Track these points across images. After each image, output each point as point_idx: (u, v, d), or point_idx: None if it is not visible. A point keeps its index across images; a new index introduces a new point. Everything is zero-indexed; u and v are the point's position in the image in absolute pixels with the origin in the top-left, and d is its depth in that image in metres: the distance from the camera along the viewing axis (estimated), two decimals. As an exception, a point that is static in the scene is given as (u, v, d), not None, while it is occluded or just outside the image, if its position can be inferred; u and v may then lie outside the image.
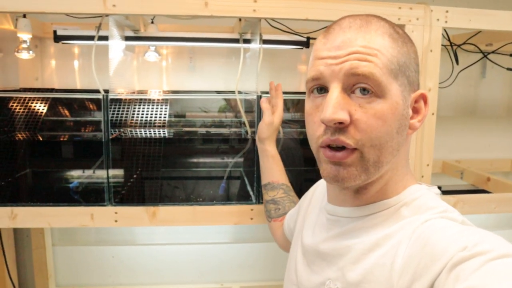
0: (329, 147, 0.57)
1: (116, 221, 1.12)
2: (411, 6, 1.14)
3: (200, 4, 1.06)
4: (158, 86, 1.68)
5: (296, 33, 1.43)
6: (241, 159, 1.42)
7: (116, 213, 1.11)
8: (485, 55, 1.41)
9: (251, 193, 1.25)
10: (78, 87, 1.69)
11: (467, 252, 0.44)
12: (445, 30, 1.18)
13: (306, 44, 1.44)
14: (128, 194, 1.20)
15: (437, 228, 0.51)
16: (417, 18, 1.14)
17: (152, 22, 1.43)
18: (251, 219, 1.18)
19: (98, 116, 1.40)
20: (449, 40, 1.26)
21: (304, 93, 1.88)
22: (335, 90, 0.55)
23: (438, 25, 1.15)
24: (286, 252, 0.99)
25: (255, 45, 1.24)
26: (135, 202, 1.16)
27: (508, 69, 1.35)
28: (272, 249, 1.82)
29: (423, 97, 0.60)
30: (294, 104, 1.59)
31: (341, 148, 0.56)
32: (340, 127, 0.54)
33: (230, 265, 1.84)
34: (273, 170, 1.01)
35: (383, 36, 0.56)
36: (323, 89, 0.58)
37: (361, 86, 0.54)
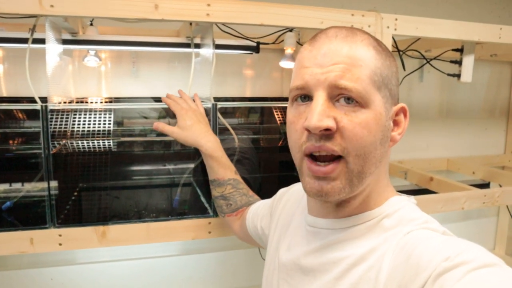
0: (312, 157, 0.56)
1: (60, 244, 1.01)
2: (363, 13, 1.15)
3: (149, 6, 0.99)
4: (97, 93, 1.56)
5: (247, 38, 1.40)
6: (189, 166, 1.36)
7: (60, 235, 1.00)
8: (428, 61, 1.48)
9: (206, 205, 1.20)
10: (4, 94, 1.52)
11: (450, 262, 0.45)
12: (392, 37, 1.21)
13: (256, 49, 1.41)
14: (73, 213, 1.09)
15: (420, 239, 0.51)
16: (369, 25, 1.15)
17: (91, 24, 1.32)
18: (209, 232, 1.13)
19: (29, 125, 1.26)
20: (396, 47, 1.29)
21: (248, 98, 1.85)
22: (320, 98, 0.54)
23: (388, 32, 1.17)
24: (245, 243, 0.99)
25: (208, 50, 1.19)
26: (81, 222, 1.06)
27: (449, 74, 1.42)
28: (222, 258, 1.78)
29: (403, 110, 0.60)
30: (240, 110, 1.56)
31: (325, 157, 0.55)
32: (326, 134, 0.53)
33: (179, 278, 1.76)
34: (214, 168, 0.97)
35: (368, 47, 0.56)
36: (306, 97, 0.57)
37: (345, 96, 0.54)
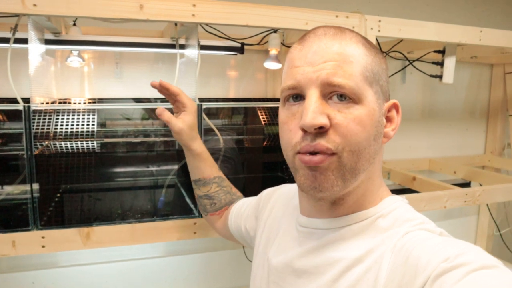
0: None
1: (43, 246, 0.99)
2: (347, 15, 1.16)
3: (134, 6, 0.99)
4: (80, 94, 1.54)
5: (231, 39, 1.40)
6: (174, 167, 1.35)
7: (43, 237, 0.99)
8: (410, 62, 1.50)
9: (191, 206, 1.19)
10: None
11: (450, 263, 0.45)
12: (376, 39, 1.23)
13: (240, 50, 1.42)
14: (56, 215, 1.08)
15: (418, 240, 0.51)
16: (353, 27, 1.17)
17: (74, 24, 1.31)
18: (194, 233, 1.13)
19: (9, 127, 1.24)
20: (380, 48, 1.31)
21: (232, 99, 1.84)
22: (313, 96, 0.54)
23: (372, 33, 1.19)
24: (229, 243, 0.96)
25: (192, 51, 1.19)
26: (65, 224, 1.04)
27: (431, 76, 1.45)
28: (206, 259, 1.78)
29: (395, 106, 0.60)
30: (223, 111, 1.56)
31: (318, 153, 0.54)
32: (320, 131, 0.53)
33: (163, 280, 1.75)
34: (201, 167, 0.94)
35: (357, 44, 0.56)
36: (298, 97, 0.57)
37: (338, 93, 0.54)
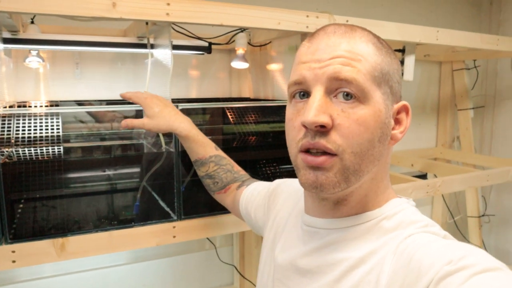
0: (309, 152, 0.55)
1: (14, 261, 0.93)
2: (317, 15, 1.19)
3: (107, 4, 0.95)
4: (37, 96, 1.45)
5: (199, 38, 1.38)
6: (139, 170, 1.31)
7: (13, 252, 0.92)
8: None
9: (167, 209, 1.16)
10: None
11: (453, 266, 0.45)
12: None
13: (208, 49, 1.40)
14: (25, 226, 1.01)
15: (421, 243, 0.51)
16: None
17: (32, 22, 1.23)
18: (174, 237, 1.10)
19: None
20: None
21: (196, 99, 1.81)
22: (317, 93, 0.53)
23: (341, 33, 1.22)
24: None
25: (162, 50, 1.16)
26: (36, 235, 0.98)
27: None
28: (173, 263, 1.75)
29: (405, 109, 0.59)
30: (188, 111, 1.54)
31: (321, 153, 0.54)
32: (321, 130, 0.53)
33: (131, 287, 1.69)
34: (193, 148, 0.95)
35: (367, 43, 0.55)
36: (305, 94, 0.56)
37: (344, 90, 0.53)
